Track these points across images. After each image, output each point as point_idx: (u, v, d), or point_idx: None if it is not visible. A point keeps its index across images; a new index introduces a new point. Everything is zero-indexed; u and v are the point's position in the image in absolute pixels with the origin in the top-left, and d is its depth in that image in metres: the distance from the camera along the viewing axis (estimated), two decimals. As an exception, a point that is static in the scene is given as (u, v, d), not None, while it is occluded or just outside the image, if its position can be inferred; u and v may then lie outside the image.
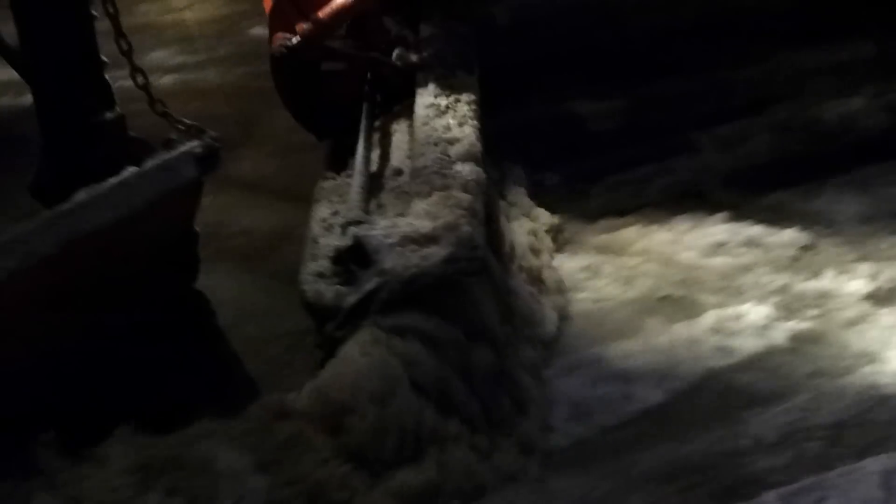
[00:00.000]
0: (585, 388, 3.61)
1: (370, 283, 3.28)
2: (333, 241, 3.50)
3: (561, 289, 4.07)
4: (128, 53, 3.52)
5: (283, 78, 4.37)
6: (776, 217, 4.45)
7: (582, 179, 4.81)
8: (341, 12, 4.24)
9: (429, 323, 3.27)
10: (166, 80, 5.66)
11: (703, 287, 4.07)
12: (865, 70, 5.37)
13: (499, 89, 4.74)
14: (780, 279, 4.06)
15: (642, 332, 3.87)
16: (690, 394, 3.55)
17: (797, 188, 4.61)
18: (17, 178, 3.71)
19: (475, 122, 4.03)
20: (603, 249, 4.38)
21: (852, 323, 3.77)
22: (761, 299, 3.95)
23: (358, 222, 3.46)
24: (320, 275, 3.41)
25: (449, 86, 4.23)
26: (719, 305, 3.94)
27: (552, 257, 4.26)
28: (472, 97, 4.20)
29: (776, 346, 3.73)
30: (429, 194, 3.62)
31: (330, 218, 3.71)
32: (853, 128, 5.02)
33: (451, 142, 3.90)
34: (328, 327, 3.31)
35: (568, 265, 4.25)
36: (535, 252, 4.17)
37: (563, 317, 3.93)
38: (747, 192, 4.63)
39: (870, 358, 3.60)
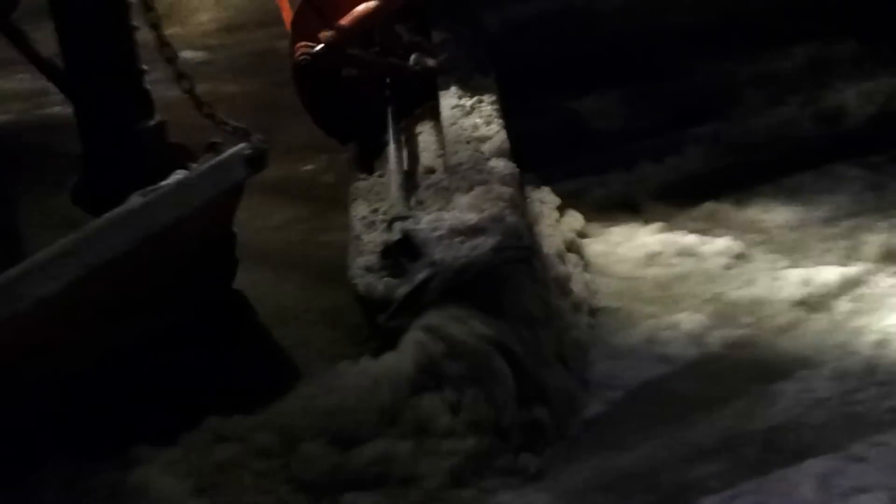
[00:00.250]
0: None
1: (421, 274, 3.42)
2: (378, 236, 3.69)
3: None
4: (172, 61, 3.67)
5: (305, 85, 4.49)
6: (709, 227, 4.52)
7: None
8: (363, 20, 4.37)
9: (479, 311, 3.38)
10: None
11: (638, 297, 4.13)
12: (794, 80, 5.46)
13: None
14: (714, 288, 4.13)
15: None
16: (628, 403, 3.58)
17: (729, 197, 4.67)
18: (43, 185, 3.99)
19: (500, 121, 4.22)
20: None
21: (785, 329, 3.84)
22: (696, 308, 4.01)
23: (403, 217, 3.62)
24: (368, 269, 3.57)
25: (470, 87, 4.42)
26: (655, 315, 3.99)
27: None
28: (494, 97, 4.41)
29: (712, 353, 3.79)
30: (470, 189, 3.80)
31: (370, 216, 3.92)
32: (783, 137, 5.08)
33: (482, 139, 4.11)
34: (381, 318, 3.44)
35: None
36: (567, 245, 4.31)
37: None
38: (680, 202, 4.69)
39: (803, 363, 3.67)
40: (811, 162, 4.82)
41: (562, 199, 4.61)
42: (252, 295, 3.87)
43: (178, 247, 3.49)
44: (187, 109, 3.78)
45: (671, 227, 4.49)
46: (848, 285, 4.00)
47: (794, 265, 4.18)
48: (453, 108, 4.32)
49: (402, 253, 3.49)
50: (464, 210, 3.67)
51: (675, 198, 4.74)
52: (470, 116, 4.26)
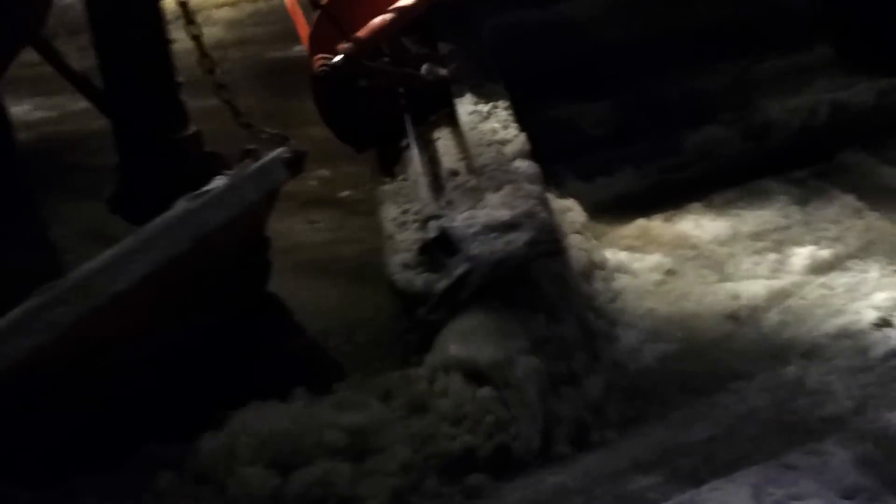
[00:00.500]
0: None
1: (460, 269, 3.60)
2: (412, 235, 3.88)
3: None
4: (212, 71, 3.83)
5: (323, 96, 4.60)
6: (641, 244, 4.55)
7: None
8: (378, 32, 4.49)
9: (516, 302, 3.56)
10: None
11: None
12: (721, 98, 5.52)
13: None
14: (647, 303, 4.16)
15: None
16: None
17: (659, 214, 4.71)
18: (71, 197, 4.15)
19: (516, 125, 4.40)
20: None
21: (717, 342, 3.88)
22: (630, 324, 4.04)
23: (437, 216, 3.79)
24: (405, 266, 3.75)
25: (483, 94, 4.61)
26: (591, 331, 4.01)
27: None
28: (507, 103, 4.59)
29: (647, 367, 3.84)
30: (499, 188, 3.99)
31: (400, 216, 4.09)
32: (711, 153, 5.14)
33: (503, 142, 4.29)
34: (420, 312, 3.60)
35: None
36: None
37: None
38: (612, 220, 4.73)
39: (736, 375, 3.72)
40: (739, 178, 4.88)
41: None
42: (284, 297, 4.04)
43: (225, 248, 3.65)
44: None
45: (603, 245, 4.53)
46: (777, 298, 4.06)
47: (725, 279, 4.24)
48: (471, 113, 4.50)
49: (439, 249, 3.66)
50: (496, 207, 3.85)
51: (607, 216, 4.79)
52: (488, 121, 4.45)
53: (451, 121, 4.56)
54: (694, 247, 4.46)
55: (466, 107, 4.55)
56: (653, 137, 5.20)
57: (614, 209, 4.82)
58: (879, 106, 5.26)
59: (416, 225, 3.94)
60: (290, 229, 4.57)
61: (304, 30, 4.81)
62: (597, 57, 5.53)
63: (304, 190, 4.82)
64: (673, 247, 4.48)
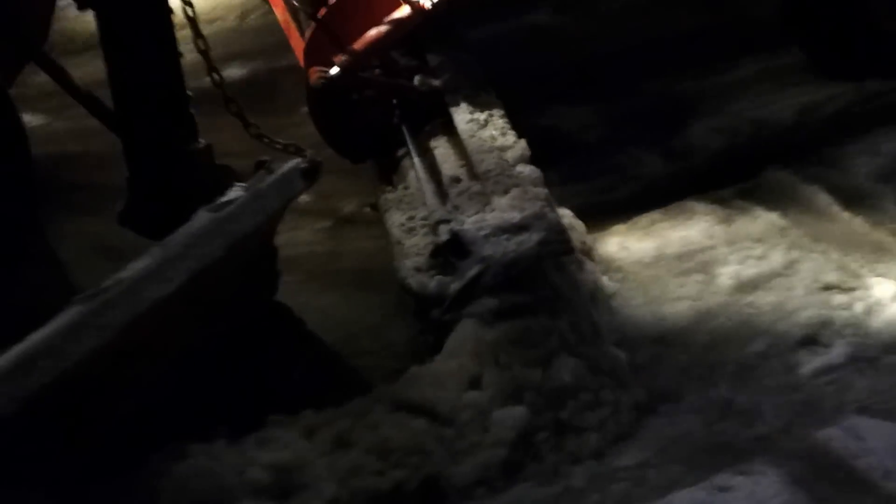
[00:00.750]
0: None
1: (472, 270, 3.68)
2: (421, 240, 3.99)
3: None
4: (220, 84, 3.92)
5: (319, 108, 4.69)
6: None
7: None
8: (374, 44, 4.58)
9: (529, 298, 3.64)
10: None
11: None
12: (646, 117, 5.53)
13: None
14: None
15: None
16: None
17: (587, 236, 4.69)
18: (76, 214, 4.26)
19: (513, 132, 4.50)
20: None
21: (646, 365, 3.83)
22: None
23: (446, 220, 3.89)
24: (417, 269, 3.85)
25: (478, 104, 4.70)
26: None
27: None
28: (502, 111, 4.68)
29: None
30: (506, 191, 4.07)
31: (407, 223, 4.19)
32: (633, 176, 5.16)
33: (503, 149, 4.38)
34: (435, 313, 3.69)
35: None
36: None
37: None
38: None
39: (666, 397, 3.67)
40: (661, 199, 4.89)
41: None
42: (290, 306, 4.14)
43: (246, 255, 3.75)
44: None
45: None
46: (704, 319, 4.02)
47: (651, 301, 4.21)
48: (468, 122, 4.58)
49: (451, 252, 3.75)
50: (504, 210, 3.93)
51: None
52: (486, 129, 4.53)
53: (448, 130, 4.65)
54: (619, 269, 4.43)
55: (463, 116, 4.64)
56: (571, 160, 5.23)
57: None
58: (801, 122, 5.33)
59: (425, 230, 4.04)
60: (290, 239, 4.59)
61: (297, 43, 4.89)
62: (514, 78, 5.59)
63: (300, 200, 4.83)
64: (601, 269, 4.45)
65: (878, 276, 4.13)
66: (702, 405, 3.60)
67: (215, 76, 3.92)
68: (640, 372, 3.76)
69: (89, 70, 4.65)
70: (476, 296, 3.66)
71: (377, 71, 4.77)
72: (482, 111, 4.66)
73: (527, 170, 4.26)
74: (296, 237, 4.75)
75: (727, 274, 4.25)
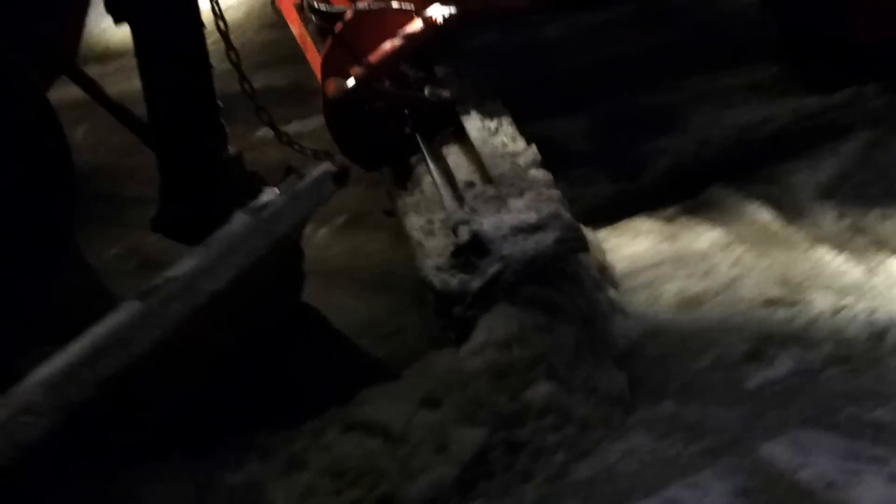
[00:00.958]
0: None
1: (493, 268, 3.83)
2: (441, 241, 4.10)
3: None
4: (252, 95, 4.11)
5: (336, 118, 4.82)
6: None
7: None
8: (389, 56, 4.73)
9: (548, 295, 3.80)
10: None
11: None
12: (590, 138, 5.59)
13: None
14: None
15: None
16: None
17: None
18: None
19: (523, 138, 4.65)
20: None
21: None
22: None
23: (466, 222, 4.01)
24: (439, 268, 3.94)
25: (487, 112, 4.84)
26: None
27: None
28: (510, 119, 4.81)
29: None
30: (521, 194, 4.21)
31: (426, 225, 4.29)
32: (581, 195, 5.20)
33: (515, 154, 4.51)
34: (457, 309, 3.81)
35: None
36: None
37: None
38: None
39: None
40: (611, 216, 4.96)
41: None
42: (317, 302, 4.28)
43: (281, 255, 3.91)
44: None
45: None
46: (650, 335, 4.08)
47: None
48: (480, 130, 4.72)
49: (471, 252, 3.89)
50: (521, 211, 4.08)
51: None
52: (497, 136, 4.68)
53: (459, 138, 4.79)
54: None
55: (475, 124, 4.79)
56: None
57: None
58: (743, 140, 5.39)
59: (445, 231, 4.17)
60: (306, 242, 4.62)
61: (314, 56, 5.08)
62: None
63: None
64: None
65: (820, 289, 4.19)
66: (651, 419, 3.63)
67: (247, 86, 4.09)
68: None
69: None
70: (497, 293, 3.80)
71: (388, 83, 4.92)
72: (492, 119, 4.81)
73: (539, 173, 4.41)
74: (310, 240, 4.78)
75: (673, 290, 4.32)
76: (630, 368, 3.90)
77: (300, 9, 5.46)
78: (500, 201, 4.24)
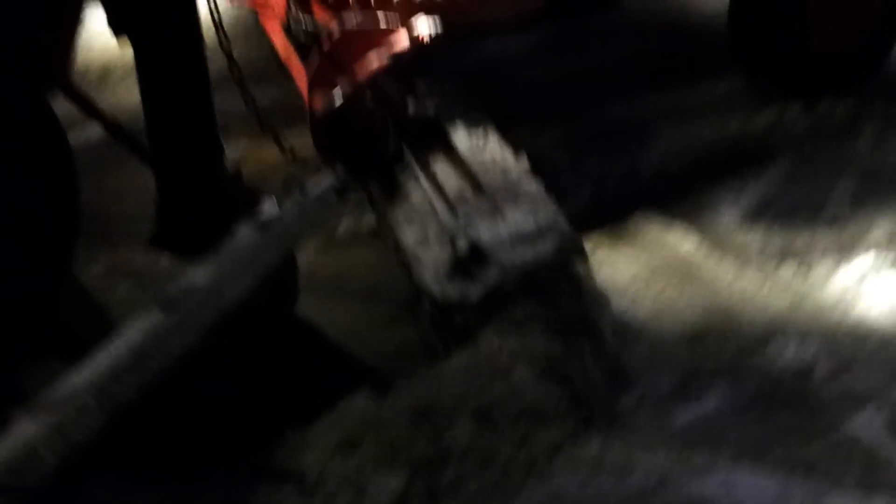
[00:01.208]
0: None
1: (493, 277, 3.89)
2: (438, 252, 4.14)
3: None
4: (255, 110, 4.25)
5: (322, 135, 4.80)
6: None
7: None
8: (375, 74, 4.76)
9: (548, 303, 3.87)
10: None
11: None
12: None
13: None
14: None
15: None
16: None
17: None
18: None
19: (510, 150, 4.72)
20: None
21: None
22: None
23: (464, 231, 4.07)
24: (438, 279, 3.99)
25: (473, 124, 4.91)
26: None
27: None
28: (496, 131, 4.89)
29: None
30: (516, 203, 4.28)
31: (421, 237, 4.31)
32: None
33: (506, 164, 4.59)
34: (459, 318, 3.86)
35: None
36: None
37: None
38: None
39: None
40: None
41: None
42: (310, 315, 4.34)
43: (286, 262, 4.02)
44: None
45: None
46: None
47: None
48: (468, 142, 4.80)
49: (470, 261, 3.94)
50: (518, 220, 4.16)
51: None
52: (485, 148, 4.76)
53: (447, 150, 4.84)
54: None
55: (462, 136, 4.85)
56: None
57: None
58: (666, 165, 5.35)
59: (440, 243, 4.20)
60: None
61: (299, 73, 5.13)
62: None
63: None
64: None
65: (747, 320, 4.13)
66: (574, 461, 3.50)
67: (250, 104, 4.24)
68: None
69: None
70: (496, 301, 3.85)
71: (374, 98, 4.94)
72: (478, 131, 4.89)
73: (532, 184, 4.46)
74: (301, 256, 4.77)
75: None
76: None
77: (286, 28, 5.52)
78: (496, 211, 4.28)
